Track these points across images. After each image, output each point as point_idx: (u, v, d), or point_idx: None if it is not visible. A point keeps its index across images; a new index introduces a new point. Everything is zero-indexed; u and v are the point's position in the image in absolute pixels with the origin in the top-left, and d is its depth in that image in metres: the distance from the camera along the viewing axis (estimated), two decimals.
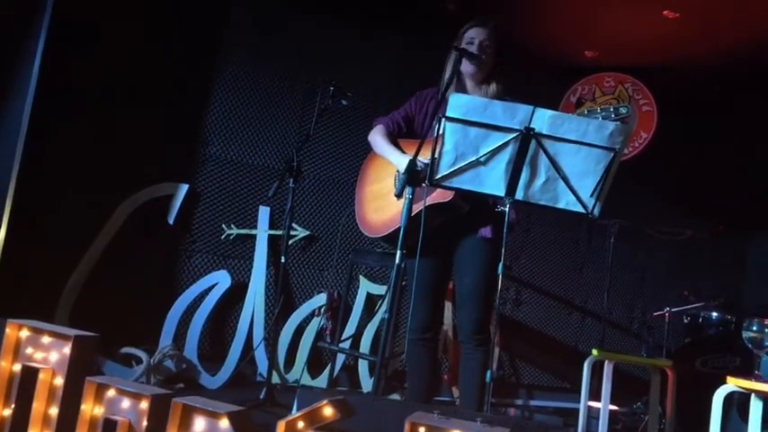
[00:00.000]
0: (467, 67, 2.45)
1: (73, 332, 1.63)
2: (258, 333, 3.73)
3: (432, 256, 2.44)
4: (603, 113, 2.05)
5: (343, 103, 3.33)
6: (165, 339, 3.55)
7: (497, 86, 2.48)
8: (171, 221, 3.70)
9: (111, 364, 3.36)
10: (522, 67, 4.19)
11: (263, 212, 3.89)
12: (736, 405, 3.15)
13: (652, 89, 4.52)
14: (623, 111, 2.04)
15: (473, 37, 2.46)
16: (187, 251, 3.77)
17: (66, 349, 1.60)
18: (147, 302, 3.54)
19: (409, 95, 2.66)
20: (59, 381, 1.59)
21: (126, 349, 3.40)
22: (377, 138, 2.58)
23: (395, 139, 2.56)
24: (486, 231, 2.41)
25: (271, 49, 3.98)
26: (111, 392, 1.47)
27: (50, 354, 1.63)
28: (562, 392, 4.45)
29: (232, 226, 3.83)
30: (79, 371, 1.57)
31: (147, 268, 3.59)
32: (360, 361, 3.90)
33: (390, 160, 2.49)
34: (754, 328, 2.51)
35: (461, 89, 2.51)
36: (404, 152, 2.46)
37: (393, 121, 2.60)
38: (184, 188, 3.72)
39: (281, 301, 3.23)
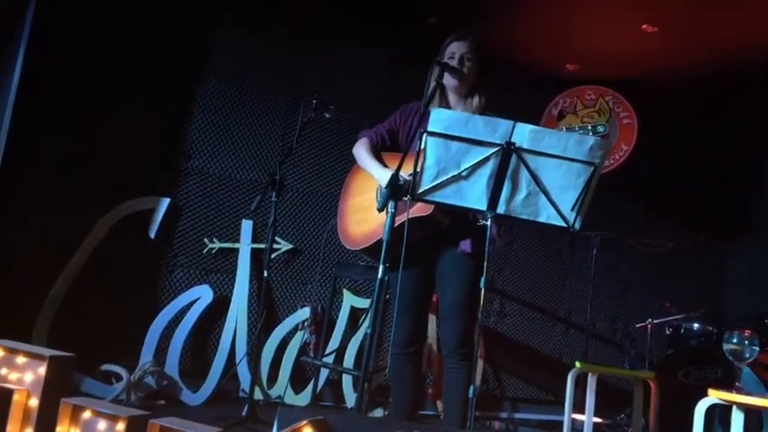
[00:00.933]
0: (449, 80, 2.46)
1: (48, 352, 1.59)
2: (241, 348, 3.68)
3: (414, 270, 2.43)
4: (581, 132, 2.07)
5: (326, 116, 3.34)
6: (146, 355, 3.49)
7: (480, 100, 2.49)
8: (152, 235, 3.66)
9: (90, 381, 3.30)
10: (504, 81, 4.21)
11: (246, 226, 3.86)
12: (719, 417, 3.17)
13: (632, 102, 4.58)
14: (601, 129, 2.06)
15: (454, 51, 2.47)
16: (168, 265, 3.73)
17: (42, 370, 1.57)
18: (127, 318, 3.49)
19: (393, 108, 2.66)
20: (34, 402, 1.56)
21: (106, 366, 3.34)
22: (360, 151, 2.58)
23: (378, 152, 2.56)
24: (465, 245, 2.41)
25: (254, 63, 3.97)
26: (86, 414, 1.44)
27: (25, 374, 1.59)
28: (547, 405, 4.46)
29: (214, 240, 3.80)
30: (55, 392, 1.53)
31: (127, 283, 3.54)
32: (344, 375, 3.87)
33: (372, 174, 2.49)
34: (735, 341, 2.53)
35: (444, 103, 2.51)
36: (386, 166, 2.46)
37: (377, 135, 2.60)
38: (166, 202, 3.68)
39: (264, 315, 3.20)
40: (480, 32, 2.75)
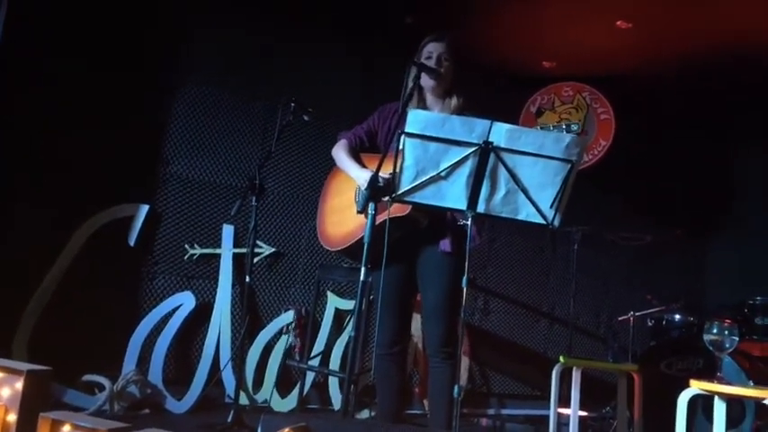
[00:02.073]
0: (426, 81, 2.46)
1: (25, 366, 1.56)
2: (225, 354, 3.66)
3: (395, 271, 2.43)
4: (556, 130, 2.09)
5: (305, 118, 3.33)
6: (129, 364, 3.46)
7: (458, 100, 2.49)
8: (132, 243, 3.62)
9: (72, 392, 3.26)
10: (482, 79, 4.23)
11: (227, 231, 3.84)
12: (702, 406, 3.20)
13: (610, 97, 4.62)
14: (574, 128, 2.09)
15: (431, 51, 2.47)
16: (149, 273, 3.69)
17: (19, 384, 1.54)
18: (108, 327, 3.45)
19: (373, 109, 2.67)
20: (12, 417, 1.53)
21: (88, 376, 3.30)
22: (339, 152, 2.58)
23: (357, 153, 2.56)
24: (445, 245, 2.41)
25: (231, 67, 3.94)
26: (66, 428, 1.42)
27: (2, 389, 1.56)
28: (533, 400, 4.49)
29: (195, 246, 3.77)
30: (33, 407, 1.51)
31: (108, 292, 3.49)
32: (330, 378, 3.86)
33: (351, 175, 2.49)
34: (714, 331, 2.55)
35: (422, 103, 2.52)
36: (365, 167, 2.46)
37: (356, 136, 2.60)
38: (145, 209, 3.64)
39: (247, 320, 3.18)
40: (457, 32, 2.76)
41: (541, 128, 2.13)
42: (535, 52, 4.49)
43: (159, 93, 3.79)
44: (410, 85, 2.43)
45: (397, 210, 2.28)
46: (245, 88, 3.97)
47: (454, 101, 2.48)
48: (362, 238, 2.10)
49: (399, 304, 2.52)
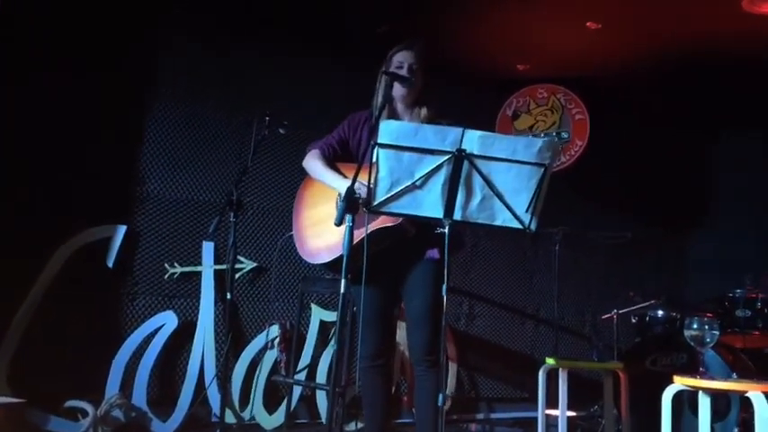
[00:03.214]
0: (397, 90, 2.45)
1: None
2: (210, 373, 3.62)
3: (378, 282, 2.42)
4: (547, 137, 2.10)
5: (281, 131, 3.30)
6: (112, 388, 3.41)
7: (429, 109, 2.49)
8: (110, 265, 3.57)
9: (55, 419, 3.21)
10: (457, 84, 4.26)
11: (208, 248, 3.81)
12: (688, 401, 3.22)
13: (584, 98, 4.66)
14: (565, 135, 2.11)
15: (402, 61, 2.47)
16: (129, 294, 3.65)
17: None
18: (90, 351, 3.40)
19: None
20: None
21: (70, 402, 3.25)
22: (314, 163, 2.55)
23: (333, 163, 2.55)
24: (433, 253, 2.42)
25: (204, 83, 3.92)
26: None
27: None
28: (522, 402, 4.48)
29: (175, 264, 3.73)
30: None
31: (88, 315, 3.45)
32: (318, 391, 3.83)
33: (331, 185, 2.47)
34: (695, 326, 2.58)
35: (392, 113, 2.51)
36: (345, 176, 2.45)
37: (328, 146, 2.58)
38: (122, 229, 3.60)
39: (230, 337, 3.15)
40: (430, 39, 2.77)
41: (533, 134, 2.14)
42: (509, 55, 4.53)
43: (133, 112, 3.76)
44: (381, 94, 2.43)
45: (388, 219, 2.28)
46: (219, 104, 3.94)
47: (424, 110, 2.48)
48: (350, 249, 2.09)
49: (382, 316, 2.50)
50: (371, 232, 2.29)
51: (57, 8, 3.52)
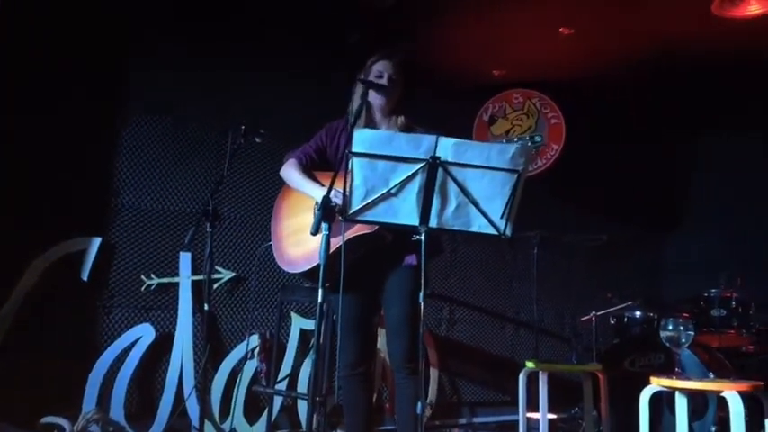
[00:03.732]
0: (375, 99, 2.46)
1: None
2: (189, 384, 3.58)
3: (356, 290, 2.42)
4: (521, 141, 2.11)
5: (257, 140, 3.29)
6: (89, 403, 3.36)
7: (406, 117, 2.51)
8: (85, 277, 3.53)
9: None
10: (434, 90, 4.28)
11: (185, 258, 3.77)
12: (666, 400, 3.26)
13: (559, 102, 4.71)
14: (538, 139, 2.12)
15: (381, 70, 2.48)
16: (106, 306, 3.60)
17: None
18: (66, 365, 3.34)
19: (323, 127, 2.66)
20: None
21: (47, 418, 3.21)
22: (292, 172, 2.55)
23: (311, 172, 2.54)
24: (411, 259, 2.42)
25: (178, 93, 3.88)
26: None
27: None
28: (504, 406, 4.50)
29: (152, 275, 3.69)
30: None
31: (63, 329, 3.40)
32: (299, 400, 3.81)
33: (308, 193, 2.47)
34: (670, 327, 2.62)
35: (370, 121, 2.52)
36: (322, 184, 2.45)
37: (305, 154, 2.58)
38: (97, 241, 3.56)
39: (208, 348, 3.12)
40: (405, 47, 2.77)
41: (506, 140, 2.14)
42: (485, 61, 4.56)
43: (106, 122, 3.72)
44: (358, 102, 2.44)
45: (364, 227, 2.28)
46: (194, 115, 3.91)
47: (402, 118, 2.49)
48: (327, 258, 2.09)
49: (360, 324, 2.50)
50: (348, 240, 2.30)
51: (29, 20, 3.48)
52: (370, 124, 2.50)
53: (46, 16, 3.54)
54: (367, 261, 2.37)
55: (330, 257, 2.10)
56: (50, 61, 3.54)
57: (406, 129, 2.43)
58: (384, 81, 2.44)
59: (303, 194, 2.50)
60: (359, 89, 2.47)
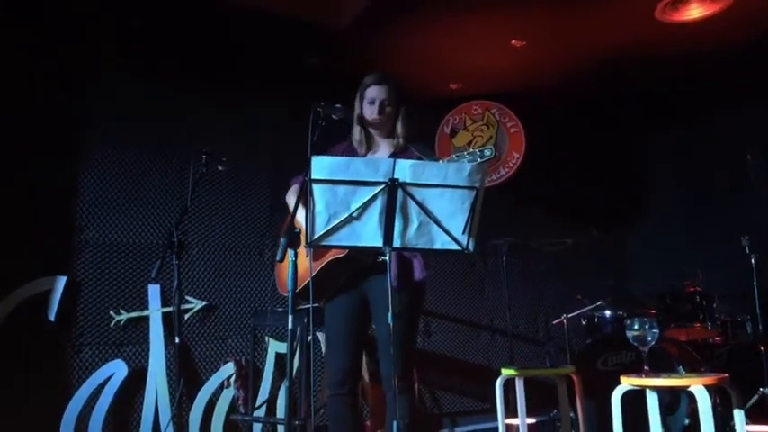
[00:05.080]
0: (371, 127, 2.58)
1: None
2: (165, 417, 3.53)
3: (343, 308, 2.51)
4: (470, 157, 2.16)
5: (219, 168, 3.29)
6: None
7: (405, 138, 2.59)
8: (52, 318, 3.46)
9: None
10: None
11: (154, 291, 3.73)
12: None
13: (517, 112, 4.80)
14: (488, 153, 2.17)
15: (373, 97, 2.55)
16: (75, 346, 3.53)
17: None
18: (37, 410, 3.27)
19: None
20: None
21: None
22: (290, 197, 2.66)
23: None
24: (392, 279, 2.45)
25: (136, 124, 3.85)
26: None
27: None
28: (484, 413, 4.53)
29: (121, 311, 3.64)
30: None
31: (32, 372, 3.32)
32: (279, 425, 3.79)
33: (299, 219, 2.51)
34: (636, 327, 2.68)
35: (371, 144, 2.62)
36: None
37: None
38: (63, 280, 3.50)
39: (182, 381, 3.09)
40: (361, 65, 2.81)
41: (457, 155, 2.20)
42: (441, 75, 4.63)
43: (64, 157, 3.66)
44: (357, 130, 2.57)
45: (338, 252, 2.36)
46: (155, 145, 3.88)
47: (399, 140, 2.59)
48: (307, 282, 2.23)
49: (346, 343, 2.53)
50: (327, 263, 2.41)
51: None
52: (371, 146, 2.62)
53: None
54: (352, 279, 2.46)
55: (313, 278, 2.28)
56: (2, 100, 3.49)
57: (403, 149, 2.55)
58: (375, 107, 2.53)
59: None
60: (356, 119, 2.57)
